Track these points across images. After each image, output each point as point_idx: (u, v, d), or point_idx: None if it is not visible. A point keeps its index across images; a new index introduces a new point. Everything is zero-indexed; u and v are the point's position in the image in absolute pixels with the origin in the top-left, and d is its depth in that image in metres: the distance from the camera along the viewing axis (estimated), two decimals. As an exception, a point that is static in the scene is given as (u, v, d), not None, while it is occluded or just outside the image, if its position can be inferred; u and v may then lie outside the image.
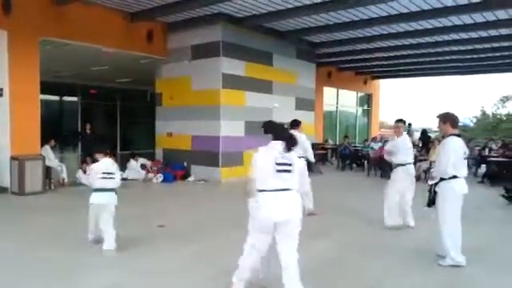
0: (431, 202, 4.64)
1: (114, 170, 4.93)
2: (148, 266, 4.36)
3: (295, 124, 6.74)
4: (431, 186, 4.66)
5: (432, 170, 4.70)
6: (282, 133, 3.53)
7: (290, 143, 3.41)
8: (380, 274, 4.33)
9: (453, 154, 4.43)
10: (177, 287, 3.91)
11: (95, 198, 4.80)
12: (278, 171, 3.32)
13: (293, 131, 6.59)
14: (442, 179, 4.51)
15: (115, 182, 4.90)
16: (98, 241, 4.83)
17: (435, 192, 4.58)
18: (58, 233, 5.50)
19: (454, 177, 4.45)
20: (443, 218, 4.51)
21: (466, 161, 4.70)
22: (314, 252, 4.67)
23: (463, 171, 4.53)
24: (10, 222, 6.22)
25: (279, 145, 3.40)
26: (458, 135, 4.61)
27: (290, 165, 3.37)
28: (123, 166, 10.98)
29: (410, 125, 15.68)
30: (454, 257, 4.41)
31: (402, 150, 6.12)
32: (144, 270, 4.27)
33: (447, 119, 4.63)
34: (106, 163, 4.89)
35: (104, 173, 4.80)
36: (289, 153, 3.39)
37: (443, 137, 4.76)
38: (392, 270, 4.43)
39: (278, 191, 3.32)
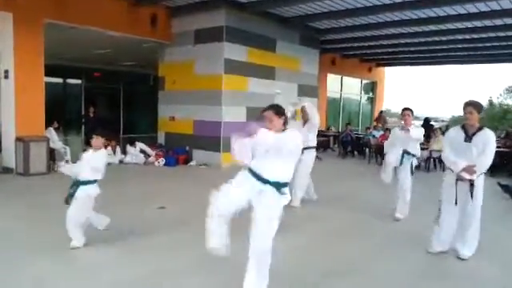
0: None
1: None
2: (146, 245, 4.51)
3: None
4: (470, 181, 4.31)
5: (472, 164, 4.27)
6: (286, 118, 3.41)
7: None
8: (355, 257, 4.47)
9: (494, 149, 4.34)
10: (181, 264, 4.06)
11: (96, 190, 4.50)
12: None
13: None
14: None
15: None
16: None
17: (473, 187, 4.31)
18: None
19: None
20: (477, 212, 4.40)
21: None
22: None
23: None
24: (20, 201, 6.40)
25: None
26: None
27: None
28: (124, 150, 11.16)
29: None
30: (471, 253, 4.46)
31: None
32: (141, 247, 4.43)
33: (481, 109, 4.42)
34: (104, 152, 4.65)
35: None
36: None
37: (463, 127, 4.45)
38: (371, 255, 4.56)
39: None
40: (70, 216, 4.38)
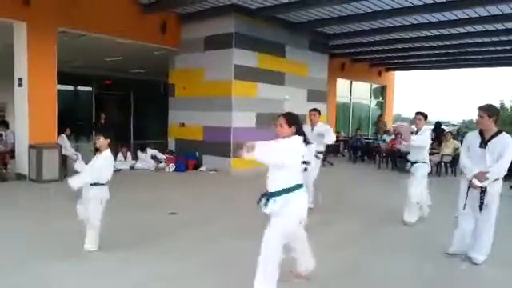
0: (481, 207, 4.30)
1: None
2: (160, 251, 4.54)
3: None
4: (481, 188, 4.24)
5: (484, 171, 4.22)
6: (301, 127, 3.52)
7: (306, 138, 3.49)
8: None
9: None
10: (189, 270, 4.07)
11: (106, 192, 4.53)
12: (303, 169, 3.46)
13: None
14: (495, 180, 4.25)
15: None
16: None
17: (484, 194, 4.25)
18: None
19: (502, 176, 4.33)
20: (492, 218, 4.34)
21: None
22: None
23: None
24: (33, 207, 6.48)
25: (301, 140, 3.44)
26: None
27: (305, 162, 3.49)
28: (135, 156, 11.27)
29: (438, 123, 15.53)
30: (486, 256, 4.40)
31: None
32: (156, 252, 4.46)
33: (494, 113, 4.29)
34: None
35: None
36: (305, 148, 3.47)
37: (480, 132, 4.38)
38: (377, 258, 4.53)
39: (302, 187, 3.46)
40: (85, 219, 4.44)
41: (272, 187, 3.40)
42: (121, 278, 3.86)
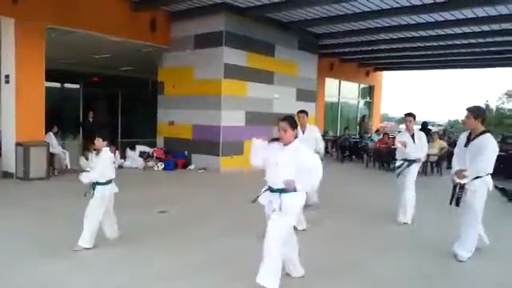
0: (457, 202, 4.52)
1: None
2: (150, 247, 4.55)
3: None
4: (459, 184, 4.47)
5: (462, 169, 4.45)
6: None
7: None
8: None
9: (494, 153, 4.40)
10: (181, 269, 4.08)
11: (111, 189, 4.60)
12: None
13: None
14: (476, 177, 4.40)
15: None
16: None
17: (461, 190, 4.45)
18: (69, 216, 5.69)
19: (488, 174, 4.45)
20: (476, 215, 4.48)
21: None
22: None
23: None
24: (22, 205, 6.42)
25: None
26: (489, 132, 4.52)
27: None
28: (123, 155, 11.19)
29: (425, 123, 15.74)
30: (470, 254, 4.52)
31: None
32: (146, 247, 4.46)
33: (479, 114, 4.48)
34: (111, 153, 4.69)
35: (114, 162, 4.75)
36: None
37: (474, 133, 4.53)
38: (370, 256, 4.61)
39: None
40: (86, 216, 4.47)
41: (278, 184, 3.46)
42: (113, 275, 3.85)
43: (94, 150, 4.61)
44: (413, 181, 6.13)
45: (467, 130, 4.67)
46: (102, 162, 4.50)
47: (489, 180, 4.47)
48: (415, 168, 6.19)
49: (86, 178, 4.46)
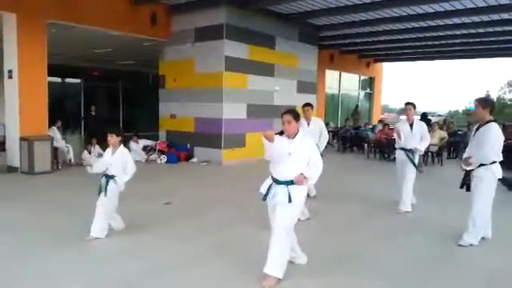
0: (468, 187, 4.70)
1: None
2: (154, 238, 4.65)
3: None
4: (468, 171, 4.67)
5: (468, 156, 4.67)
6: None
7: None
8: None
9: (497, 141, 4.52)
10: (183, 255, 4.19)
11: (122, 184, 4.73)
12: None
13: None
14: (481, 165, 4.56)
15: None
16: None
17: (469, 177, 4.65)
18: (73, 208, 5.79)
19: (494, 162, 4.56)
20: (480, 202, 4.63)
21: None
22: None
23: (501, 156, 4.63)
24: (28, 198, 6.52)
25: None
26: (495, 121, 4.66)
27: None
28: (126, 148, 11.24)
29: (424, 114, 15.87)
30: (472, 239, 4.65)
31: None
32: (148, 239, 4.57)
33: (487, 104, 4.64)
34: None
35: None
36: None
37: (479, 122, 4.73)
38: (372, 244, 4.71)
39: None
40: (100, 207, 4.58)
41: (288, 176, 3.55)
42: (122, 264, 3.96)
43: (88, 142, 4.77)
44: (412, 170, 6.19)
45: (469, 120, 4.87)
46: (128, 157, 4.73)
47: (495, 169, 4.57)
48: (415, 157, 6.25)
49: (97, 169, 4.67)
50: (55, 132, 9.68)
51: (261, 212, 5.52)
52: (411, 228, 5.43)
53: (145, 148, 11.18)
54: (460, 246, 4.64)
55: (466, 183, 4.70)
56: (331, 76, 19.06)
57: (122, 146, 4.73)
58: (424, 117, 15.22)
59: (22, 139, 8.66)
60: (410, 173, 6.19)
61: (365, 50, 18.36)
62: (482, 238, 4.76)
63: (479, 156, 4.57)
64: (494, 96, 34.83)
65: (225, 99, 10.73)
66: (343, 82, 20.28)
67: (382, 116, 24.16)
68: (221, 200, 6.78)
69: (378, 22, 12.44)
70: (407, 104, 6.30)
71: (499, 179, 8.22)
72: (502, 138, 4.59)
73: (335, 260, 4.18)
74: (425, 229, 5.35)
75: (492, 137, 4.51)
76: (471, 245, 4.64)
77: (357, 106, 19.03)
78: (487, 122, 4.58)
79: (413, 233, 5.22)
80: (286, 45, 12.51)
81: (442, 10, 10.89)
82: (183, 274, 3.81)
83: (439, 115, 33.39)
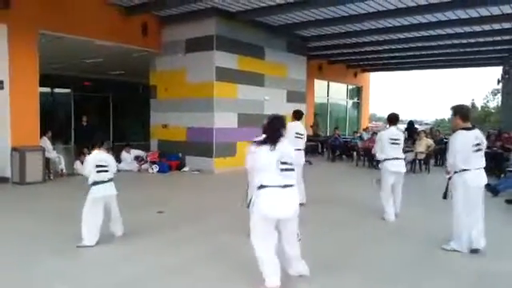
0: (444, 195, 4.81)
1: (107, 162, 4.88)
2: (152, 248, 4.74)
3: (299, 115, 7.02)
4: (449, 179, 4.76)
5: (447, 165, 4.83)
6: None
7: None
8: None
9: (460, 149, 4.51)
10: (177, 263, 4.28)
11: (101, 191, 4.75)
12: (282, 170, 3.50)
13: (298, 122, 6.96)
14: (455, 172, 4.63)
15: (109, 174, 4.87)
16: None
17: (447, 185, 4.75)
18: (66, 219, 5.84)
19: (464, 170, 4.54)
20: (453, 209, 4.69)
21: (481, 152, 4.65)
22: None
23: (474, 163, 4.55)
24: (22, 208, 6.54)
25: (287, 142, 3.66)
26: (470, 128, 4.60)
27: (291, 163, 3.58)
28: (117, 158, 11.25)
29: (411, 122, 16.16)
30: (454, 245, 4.71)
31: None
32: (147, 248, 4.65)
33: (457, 112, 4.67)
34: (97, 156, 4.84)
35: (97, 165, 4.78)
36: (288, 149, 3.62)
37: (453, 130, 4.83)
38: (358, 250, 4.86)
39: (281, 187, 3.50)
40: (82, 215, 4.72)
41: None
42: (116, 271, 4.04)
43: (81, 152, 4.97)
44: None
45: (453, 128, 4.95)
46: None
47: (467, 176, 4.56)
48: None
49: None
50: (46, 142, 9.68)
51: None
52: (397, 233, 5.58)
53: (137, 158, 11.21)
54: (443, 248, 4.75)
55: (444, 192, 4.80)
56: (320, 85, 19.35)
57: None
58: (410, 125, 15.53)
59: (13, 149, 8.67)
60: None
61: (352, 60, 18.72)
62: (474, 250, 4.65)
63: (448, 164, 4.75)
64: (479, 104, 35.60)
65: (216, 109, 10.87)
66: (332, 92, 20.59)
67: (370, 125, 24.54)
68: (213, 208, 6.87)
69: (364, 33, 12.77)
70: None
71: (484, 186, 8.43)
72: (472, 144, 4.53)
73: (323, 264, 4.29)
74: (411, 234, 5.50)
75: (454, 145, 4.59)
76: (454, 250, 4.70)
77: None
78: (457, 130, 4.67)
79: (399, 238, 5.37)
80: (275, 55, 12.73)
81: (427, 21, 11.25)
82: (181, 277, 3.91)
83: (426, 124, 33.97)
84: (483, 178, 4.68)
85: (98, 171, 4.78)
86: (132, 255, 4.49)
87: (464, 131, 4.59)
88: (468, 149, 4.54)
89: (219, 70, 10.86)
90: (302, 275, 3.85)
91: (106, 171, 4.84)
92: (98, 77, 17.37)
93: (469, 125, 4.64)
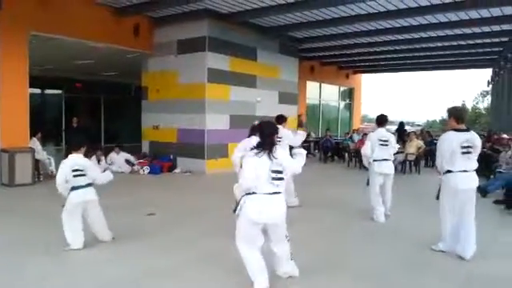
0: (437, 196, 4.75)
1: (84, 166, 4.70)
2: (142, 252, 4.72)
3: (282, 120, 6.83)
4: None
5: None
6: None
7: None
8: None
9: (446, 149, 4.49)
10: (172, 266, 4.26)
11: (81, 196, 4.63)
12: (273, 178, 3.53)
13: (279, 127, 7.00)
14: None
15: (87, 179, 4.69)
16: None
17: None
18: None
19: (449, 171, 4.51)
20: (440, 210, 4.68)
21: (470, 155, 4.52)
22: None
23: (459, 165, 4.47)
24: (11, 210, 6.48)
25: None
26: (461, 129, 4.53)
27: (281, 172, 3.57)
28: (107, 159, 11.17)
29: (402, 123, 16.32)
30: (441, 246, 4.73)
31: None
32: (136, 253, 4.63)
33: (451, 113, 4.65)
34: (73, 160, 4.69)
35: (74, 170, 4.62)
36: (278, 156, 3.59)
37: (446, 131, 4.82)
38: (351, 250, 4.89)
39: (270, 194, 3.54)
40: (63, 221, 4.64)
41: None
42: (102, 274, 4.02)
43: (68, 153, 4.85)
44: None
45: (444, 129, 4.98)
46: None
47: (451, 178, 4.51)
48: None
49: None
50: (36, 144, 9.58)
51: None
52: (387, 234, 5.62)
53: (127, 161, 11.07)
54: (432, 249, 4.79)
55: (437, 192, 4.78)
56: (312, 87, 19.41)
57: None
58: (401, 126, 15.64)
59: (2, 151, 8.58)
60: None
61: (344, 61, 18.83)
62: (460, 258, 4.54)
63: (436, 164, 4.77)
64: (469, 105, 35.94)
65: (207, 110, 10.86)
66: (324, 93, 20.66)
67: (362, 126, 24.64)
68: (205, 210, 6.86)
69: (356, 35, 12.84)
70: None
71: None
72: (459, 146, 4.44)
73: (313, 265, 4.31)
74: (401, 234, 5.54)
75: (441, 146, 4.61)
76: (442, 251, 4.72)
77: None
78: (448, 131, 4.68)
79: (389, 238, 5.41)
80: (268, 57, 12.75)
81: (417, 23, 11.35)
82: (172, 280, 3.91)
83: (418, 125, 34.21)
84: (471, 182, 4.55)
85: (75, 175, 4.61)
86: (121, 258, 4.47)
87: (453, 132, 4.55)
88: (454, 150, 4.47)
89: (211, 72, 10.85)
90: (291, 276, 3.88)
91: (83, 175, 4.65)
92: (89, 78, 17.25)
93: (463, 127, 4.58)
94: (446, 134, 4.65)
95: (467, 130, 4.61)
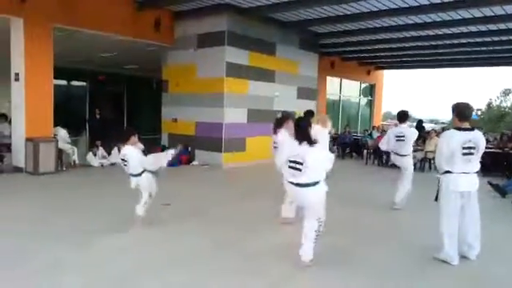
0: (436, 197, 4.52)
1: (128, 157, 5.17)
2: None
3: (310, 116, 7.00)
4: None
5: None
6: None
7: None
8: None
9: (445, 149, 4.26)
10: (189, 252, 4.39)
11: (131, 183, 5.25)
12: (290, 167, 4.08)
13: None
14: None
15: (129, 168, 5.17)
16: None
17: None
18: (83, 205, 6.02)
19: (448, 172, 4.30)
20: (439, 212, 4.42)
21: (472, 156, 4.25)
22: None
23: (459, 167, 4.24)
24: (34, 196, 6.76)
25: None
26: (465, 129, 4.28)
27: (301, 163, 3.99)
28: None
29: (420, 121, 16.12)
30: (445, 255, 4.39)
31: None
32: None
33: (453, 110, 4.36)
34: (122, 151, 5.23)
35: (122, 160, 5.18)
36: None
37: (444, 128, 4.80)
38: (363, 247, 4.91)
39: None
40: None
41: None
42: (122, 262, 4.19)
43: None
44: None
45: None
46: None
47: (447, 178, 4.32)
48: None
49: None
50: (60, 131, 9.81)
51: (258, 213, 5.74)
52: (402, 231, 5.62)
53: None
54: (434, 257, 4.49)
55: (436, 193, 4.52)
56: (332, 82, 19.29)
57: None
58: (419, 124, 15.42)
59: (27, 140, 8.91)
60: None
61: (365, 57, 18.59)
62: (463, 257, 4.46)
63: (436, 164, 4.58)
64: (495, 104, 34.98)
65: (226, 104, 10.96)
66: (344, 89, 20.50)
67: (385, 122, 24.36)
68: (219, 201, 6.99)
69: (377, 31, 12.68)
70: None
71: (492, 186, 8.30)
72: (460, 146, 4.20)
73: (328, 259, 4.36)
74: (417, 233, 5.52)
75: (439, 145, 4.43)
76: (443, 261, 4.43)
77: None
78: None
79: (403, 236, 5.40)
80: (287, 51, 12.75)
81: (440, 19, 11.13)
82: (184, 268, 4.03)
83: (442, 123, 33.54)
84: (472, 184, 4.33)
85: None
86: (133, 246, 4.61)
87: (455, 131, 4.30)
88: (454, 150, 4.22)
89: (230, 66, 10.94)
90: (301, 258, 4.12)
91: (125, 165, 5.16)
92: (112, 71, 17.63)
93: (466, 125, 4.31)
94: (447, 132, 4.46)
95: (471, 129, 4.32)
